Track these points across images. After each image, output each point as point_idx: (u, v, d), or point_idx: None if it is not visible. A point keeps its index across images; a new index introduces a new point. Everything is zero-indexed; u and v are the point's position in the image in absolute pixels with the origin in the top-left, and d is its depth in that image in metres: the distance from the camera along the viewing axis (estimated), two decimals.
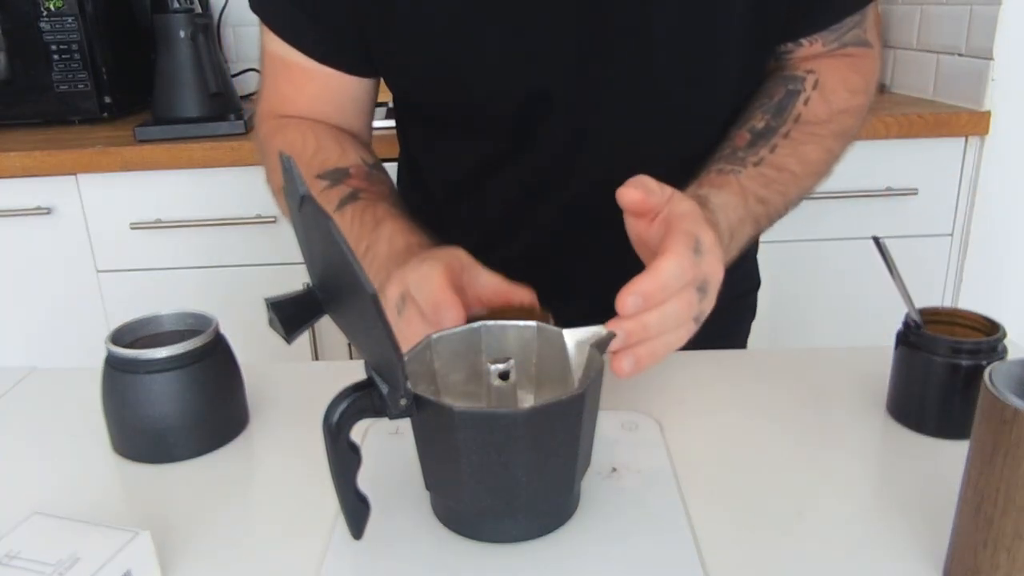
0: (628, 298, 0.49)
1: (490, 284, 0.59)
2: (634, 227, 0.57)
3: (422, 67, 0.72)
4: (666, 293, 0.50)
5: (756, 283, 0.97)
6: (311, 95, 0.78)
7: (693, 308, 0.53)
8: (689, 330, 0.54)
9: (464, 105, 0.74)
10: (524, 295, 0.58)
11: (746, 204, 0.66)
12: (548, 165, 0.75)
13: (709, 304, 0.54)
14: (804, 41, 0.75)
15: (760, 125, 0.72)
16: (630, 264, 0.84)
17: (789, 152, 0.71)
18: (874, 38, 0.78)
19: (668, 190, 0.55)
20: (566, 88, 0.70)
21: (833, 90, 0.74)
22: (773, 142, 0.71)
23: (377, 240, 0.67)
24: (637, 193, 0.53)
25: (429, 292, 0.55)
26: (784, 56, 0.77)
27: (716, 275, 0.54)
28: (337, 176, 0.73)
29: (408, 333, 0.55)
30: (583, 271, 0.80)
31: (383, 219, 0.68)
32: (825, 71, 0.75)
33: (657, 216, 0.55)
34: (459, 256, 0.59)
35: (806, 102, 0.73)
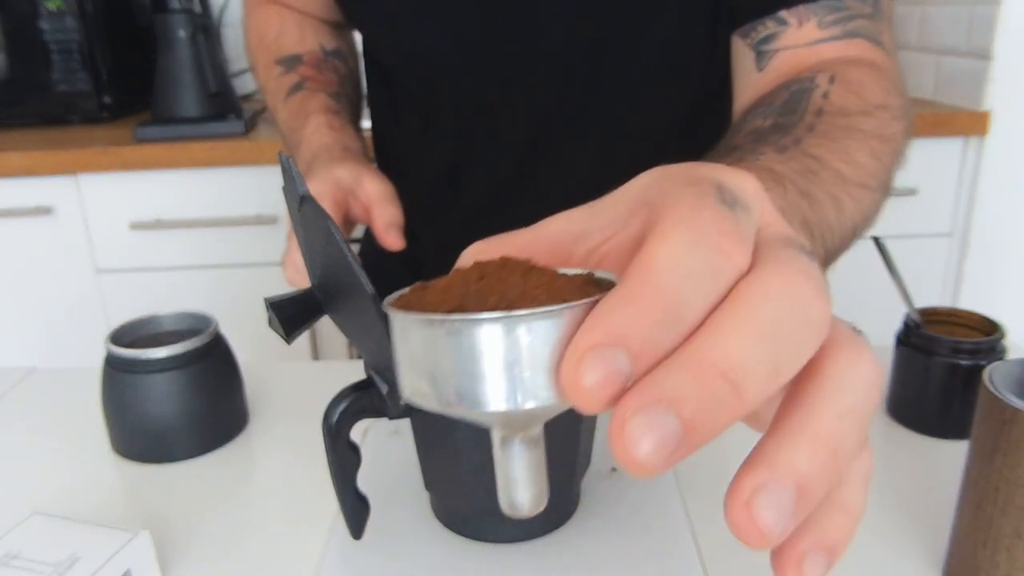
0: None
1: (372, 191, 0.62)
2: None
3: (396, 44, 0.73)
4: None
5: None
6: None
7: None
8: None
9: (440, 84, 0.73)
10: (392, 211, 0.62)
11: (786, 194, 0.43)
12: (527, 150, 0.74)
13: None
14: (788, 18, 0.60)
15: (766, 124, 0.53)
16: None
17: (822, 144, 0.51)
18: (890, 45, 0.64)
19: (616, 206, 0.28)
20: (542, 63, 0.69)
21: (861, 83, 0.57)
22: (794, 135, 0.51)
23: (303, 137, 0.71)
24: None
25: None
26: (765, 46, 0.61)
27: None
28: (291, 63, 0.79)
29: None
30: None
31: (311, 113, 0.72)
32: (843, 67, 0.59)
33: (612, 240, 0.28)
34: (343, 177, 0.63)
35: (825, 95, 0.55)
